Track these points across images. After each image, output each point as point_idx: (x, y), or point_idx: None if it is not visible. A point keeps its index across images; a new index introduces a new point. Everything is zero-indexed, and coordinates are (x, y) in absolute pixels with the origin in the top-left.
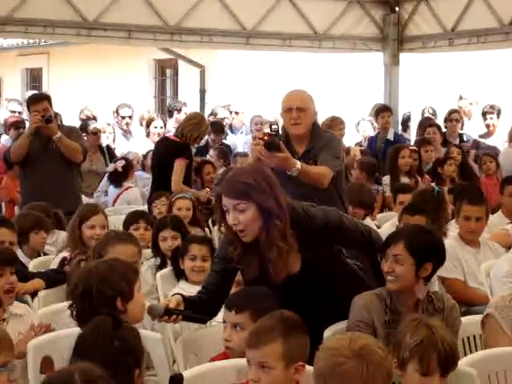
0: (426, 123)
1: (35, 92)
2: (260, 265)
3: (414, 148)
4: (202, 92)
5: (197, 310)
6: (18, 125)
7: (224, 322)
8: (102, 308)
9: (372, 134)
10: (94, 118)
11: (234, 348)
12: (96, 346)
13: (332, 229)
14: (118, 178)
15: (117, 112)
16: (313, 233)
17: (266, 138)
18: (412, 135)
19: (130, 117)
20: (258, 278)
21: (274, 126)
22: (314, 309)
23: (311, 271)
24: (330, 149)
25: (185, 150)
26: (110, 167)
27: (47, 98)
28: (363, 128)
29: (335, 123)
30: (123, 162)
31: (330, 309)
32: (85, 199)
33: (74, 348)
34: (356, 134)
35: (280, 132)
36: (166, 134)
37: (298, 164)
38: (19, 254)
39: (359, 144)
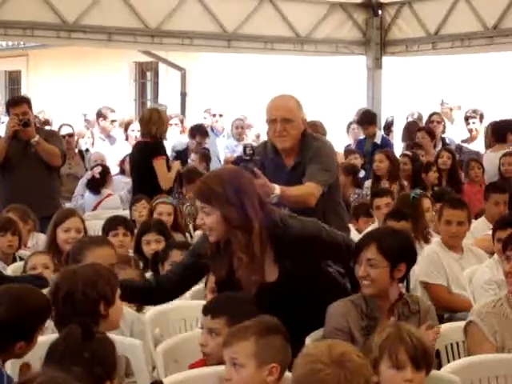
0: (414, 127)
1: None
2: (229, 268)
3: (407, 153)
4: (183, 95)
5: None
6: None
7: (202, 327)
8: (85, 311)
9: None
10: (47, 123)
11: (210, 353)
12: (65, 357)
13: (308, 240)
14: (97, 185)
15: (103, 116)
16: (288, 243)
17: (238, 165)
18: (395, 139)
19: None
20: (228, 281)
21: (248, 151)
22: (292, 317)
23: (289, 281)
24: (317, 161)
25: (159, 147)
26: (88, 174)
27: (27, 101)
28: (355, 131)
29: (315, 128)
30: (100, 168)
31: (311, 317)
32: (64, 204)
33: (46, 356)
34: (339, 137)
35: (255, 156)
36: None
37: (277, 189)
38: None
39: (348, 147)
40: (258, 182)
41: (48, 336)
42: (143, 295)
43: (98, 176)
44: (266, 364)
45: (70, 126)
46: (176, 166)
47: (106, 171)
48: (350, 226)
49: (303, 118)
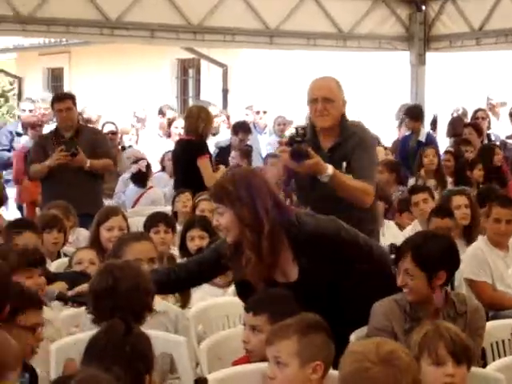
0: (460, 123)
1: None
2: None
3: (450, 149)
4: (225, 92)
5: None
6: (34, 125)
7: (244, 324)
8: (129, 306)
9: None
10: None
11: (252, 350)
12: (107, 351)
13: (323, 238)
14: (142, 179)
15: (163, 113)
16: (303, 240)
17: (292, 146)
18: (439, 136)
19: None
20: (246, 281)
21: (300, 131)
22: (325, 314)
23: (308, 279)
24: (365, 153)
25: (203, 146)
26: (133, 168)
27: (71, 97)
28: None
29: None
30: (145, 161)
31: (350, 314)
32: (105, 201)
33: (85, 351)
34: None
35: (307, 133)
36: (177, 137)
37: (330, 169)
38: None
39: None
40: (311, 161)
41: (86, 333)
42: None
43: (144, 170)
44: (310, 362)
45: (113, 123)
46: (222, 170)
47: (149, 165)
48: (390, 222)
49: (344, 99)
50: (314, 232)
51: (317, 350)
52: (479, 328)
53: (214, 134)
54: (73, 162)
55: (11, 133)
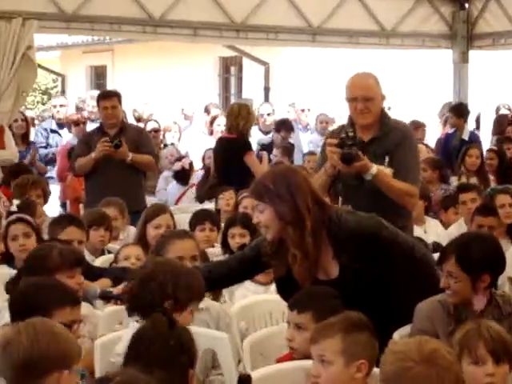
0: (505, 120)
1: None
2: (288, 266)
3: (493, 148)
4: (267, 89)
5: None
6: (77, 122)
7: (288, 322)
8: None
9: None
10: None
11: (296, 348)
12: (152, 345)
13: (364, 236)
14: (185, 176)
15: (208, 111)
16: (343, 238)
17: (342, 148)
18: (482, 134)
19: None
20: (287, 278)
21: (350, 134)
22: (366, 312)
23: (349, 276)
24: (410, 150)
25: (247, 143)
26: (176, 165)
27: (117, 94)
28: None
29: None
30: (189, 159)
31: (392, 312)
32: (148, 198)
33: (130, 345)
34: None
35: (356, 135)
36: (220, 135)
37: (374, 168)
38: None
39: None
40: (360, 164)
41: (129, 328)
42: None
43: (187, 167)
44: (354, 361)
45: (155, 121)
46: (265, 158)
47: (190, 163)
48: (433, 220)
49: (382, 95)
50: (354, 229)
51: (361, 349)
52: None
53: (267, 133)
54: (116, 154)
55: (46, 130)
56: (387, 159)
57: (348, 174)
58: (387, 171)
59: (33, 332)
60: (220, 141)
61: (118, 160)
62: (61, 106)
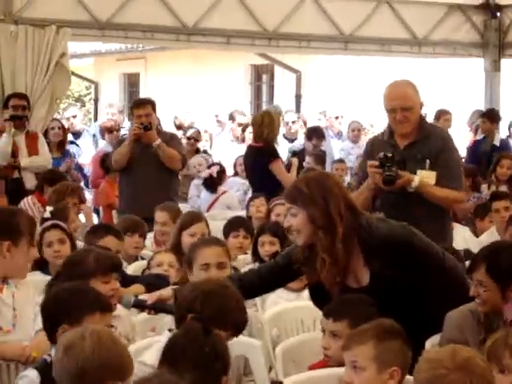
0: None
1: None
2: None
3: None
4: (298, 97)
5: None
6: (111, 129)
7: (323, 329)
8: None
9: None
10: (181, 127)
11: (332, 355)
12: (186, 351)
13: (395, 244)
14: (213, 184)
15: (233, 118)
16: (374, 245)
17: (383, 169)
18: None
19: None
20: (319, 286)
21: (388, 155)
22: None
23: (380, 283)
24: (452, 155)
25: (273, 151)
26: (205, 173)
27: (151, 102)
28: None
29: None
30: (218, 167)
31: (423, 320)
32: (181, 204)
33: (164, 352)
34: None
35: (395, 156)
36: (248, 143)
37: (416, 181)
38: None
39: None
40: (400, 182)
41: (162, 335)
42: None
43: (215, 175)
44: (387, 367)
45: (197, 130)
46: (295, 163)
47: (222, 171)
48: (462, 227)
49: (421, 103)
50: (385, 237)
51: (394, 356)
52: None
53: (292, 140)
54: (145, 136)
55: (94, 136)
56: (428, 163)
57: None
58: (430, 175)
59: (97, 341)
60: (249, 149)
61: (150, 165)
62: (73, 116)
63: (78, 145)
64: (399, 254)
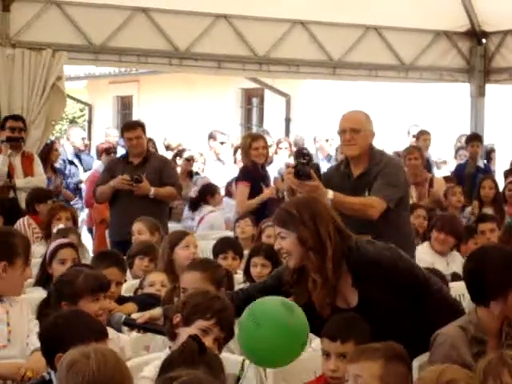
0: None
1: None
2: (309, 294)
3: None
4: (287, 120)
5: None
6: (109, 151)
7: (324, 352)
8: None
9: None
10: (169, 148)
11: (341, 377)
12: (182, 369)
13: (383, 266)
14: (195, 203)
15: (213, 137)
16: (364, 267)
17: (297, 165)
18: (497, 166)
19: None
20: (308, 307)
21: (305, 154)
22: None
23: (369, 305)
24: (384, 176)
25: (241, 173)
26: (192, 193)
27: (141, 125)
28: (461, 157)
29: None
30: (197, 187)
31: (409, 341)
32: (174, 225)
33: (161, 369)
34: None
35: (312, 158)
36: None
37: (330, 193)
38: (128, 275)
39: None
40: (312, 183)
41: (158, 353)
42: None
43: (193, 195)
44: None
45: (189, 150)
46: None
47: (205, 191)
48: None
49: (372, 131)
50: (373, 259)
51: (398, 380)
52: None
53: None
54: (137, 190)
55: (64, 161)
56: (367, 193)
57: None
58: None
59: (102, 358)
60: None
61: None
62: (82, 138)
63: (76, 165)
64: (386, 275)
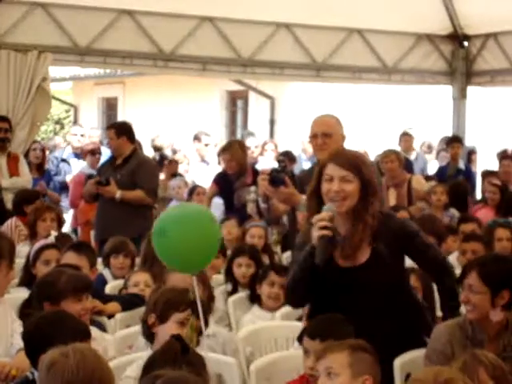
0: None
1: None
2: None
3: (496, 182)
4: (272, 122)
5: None
6: (93, 152)
7: (304, 349)
8: None
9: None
10: (160, 149)
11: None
12: (165, 369)
13: (408, 234)
14: None
15: (198, 139)
16: (384, 229)
17: (271, 173)
18: (478, 168)
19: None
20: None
21: (281, 163)
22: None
23: (378, 263)
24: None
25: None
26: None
27: (113, 127)
28: (443, 158)
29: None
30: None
31: (392, 332)
32: None
33: (144, 369)
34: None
35: (287, 166)
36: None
37: (304, 199)
38: (107, 275)
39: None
40: (286, 190)
41: (141, 352)
42: None
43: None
44: (361, 375)
45: (173, 150)
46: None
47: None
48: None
49: (342, 134)
50: (396, 224)
51: (367, 366)
52: None
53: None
54: (103, 192)
55: (57, 159)
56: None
57: None
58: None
59: (81, 357)
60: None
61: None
62: (81, 135)
63: (69, 163)
64: (405, 241)
